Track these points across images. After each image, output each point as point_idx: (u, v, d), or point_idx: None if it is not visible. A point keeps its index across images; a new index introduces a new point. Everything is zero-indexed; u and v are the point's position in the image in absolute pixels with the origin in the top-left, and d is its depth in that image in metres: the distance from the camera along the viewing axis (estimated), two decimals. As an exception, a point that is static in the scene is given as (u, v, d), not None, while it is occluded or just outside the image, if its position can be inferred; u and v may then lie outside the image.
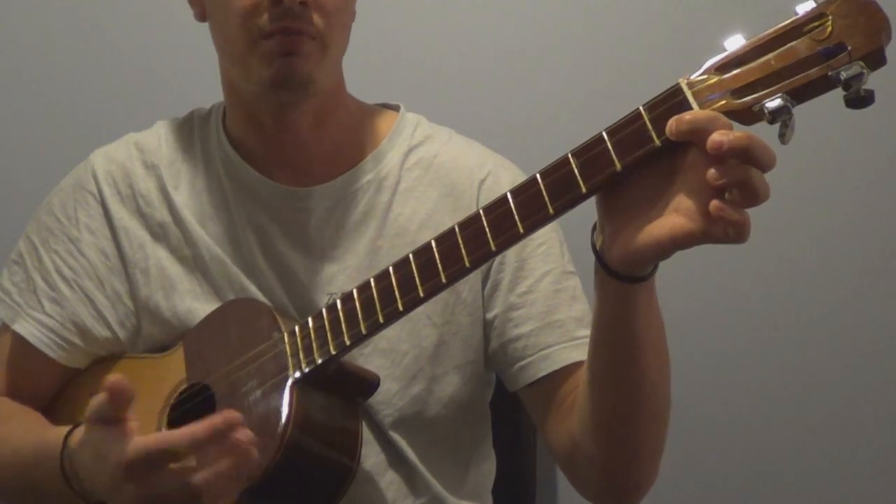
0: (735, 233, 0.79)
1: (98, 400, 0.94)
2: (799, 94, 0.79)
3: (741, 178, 0.78)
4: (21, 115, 1.75)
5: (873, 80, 0.78)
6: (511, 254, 1.16)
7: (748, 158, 0.78)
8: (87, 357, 1.22)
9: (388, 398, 1.15)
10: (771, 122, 0.79)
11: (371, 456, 1.15)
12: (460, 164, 1.21)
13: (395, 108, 1.26)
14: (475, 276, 1.17)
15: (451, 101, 1.62)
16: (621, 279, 0.90)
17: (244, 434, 0.90)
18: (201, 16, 1.18)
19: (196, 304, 1.17)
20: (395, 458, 1.16)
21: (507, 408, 1.30)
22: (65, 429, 1.05)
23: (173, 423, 1.08)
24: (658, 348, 0.98)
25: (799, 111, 0.79)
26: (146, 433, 1.08)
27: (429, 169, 1.20)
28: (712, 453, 1.69)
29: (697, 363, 1.66)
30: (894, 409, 1.66)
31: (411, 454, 1.16)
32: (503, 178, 1.21)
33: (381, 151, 1.20)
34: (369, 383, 1.10)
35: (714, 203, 0.79)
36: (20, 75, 1.75)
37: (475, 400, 1.21)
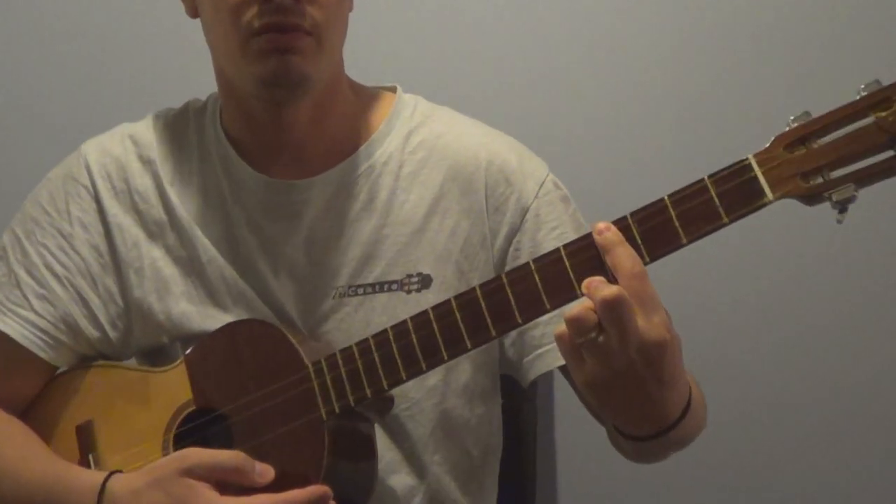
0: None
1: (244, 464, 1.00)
2: (865, 181, 0.80)
3: None
4: (13, 104, 1.69)
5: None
6: (525, 239, 1.14)
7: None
8: (75, 356, 1.19)
9: (405, 391, 1.13)
10: (839, 210, 0.80)
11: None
12: (465, 145, 1.17)
13: (392, 90, 1.21)
14: (485, 264, 1.15)
15: (463, 90, 1.57)
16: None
17: None
18: (192, 12, 1.14)
19: (191, 307, 1.15)
20: (408, 455, 1.16)
21: (507, 407, 1.31)
22: (99, 473, 1.05)
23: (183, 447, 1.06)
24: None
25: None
26: (148, 453, 1.10)
27: (433, 150, 1.16)
28: (713, 454, 1.68)
29: (701, 363, 1.64)
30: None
31: (424, 451, 1.15)
32: (511, 160, 1.17)
33: (379, 135, 1.16)
34: (385, 403, 1.10)
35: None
36: (13, 66, 1.68)
37: (487, 392, 1.19)
